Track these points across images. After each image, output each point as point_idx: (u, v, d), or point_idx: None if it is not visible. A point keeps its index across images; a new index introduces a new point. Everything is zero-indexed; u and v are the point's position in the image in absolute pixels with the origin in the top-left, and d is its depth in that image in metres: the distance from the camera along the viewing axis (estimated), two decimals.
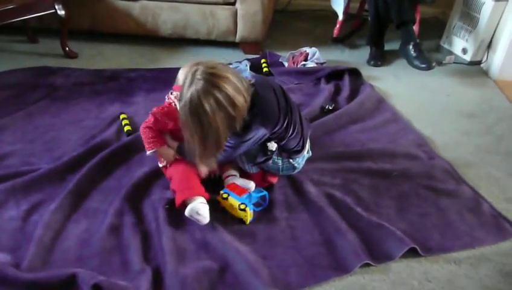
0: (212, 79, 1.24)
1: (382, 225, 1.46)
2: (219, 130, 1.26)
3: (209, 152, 1.32)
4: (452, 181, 1.72)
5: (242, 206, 1.45)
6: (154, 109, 1.58)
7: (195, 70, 1.26)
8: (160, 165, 1.62)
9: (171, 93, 1.61)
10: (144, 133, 1.57)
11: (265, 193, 1.55)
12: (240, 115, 1.28)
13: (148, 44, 2.78)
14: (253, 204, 1.51)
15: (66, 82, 2.32)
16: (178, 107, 1.34)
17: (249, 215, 1.46)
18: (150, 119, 1.56)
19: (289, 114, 1.44)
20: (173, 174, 1.55)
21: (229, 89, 1.24)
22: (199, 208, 1.42)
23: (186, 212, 1.42)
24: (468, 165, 1.83)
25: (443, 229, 1.49)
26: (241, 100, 1.27)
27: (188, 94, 1.24)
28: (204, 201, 1.47)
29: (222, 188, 1.56)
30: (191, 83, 1.25)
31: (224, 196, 1.51)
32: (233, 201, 1.48)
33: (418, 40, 2.66)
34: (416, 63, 2.63)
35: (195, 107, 1.24)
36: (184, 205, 1.45)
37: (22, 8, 2.30)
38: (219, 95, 1.23)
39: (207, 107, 1.23)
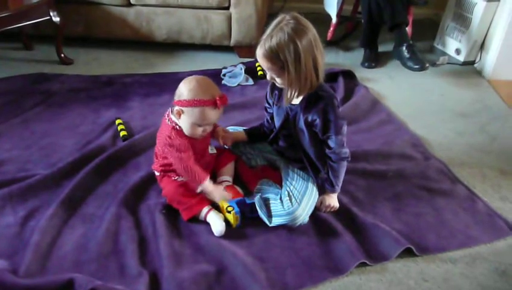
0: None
1: (378, 225, 1.46)
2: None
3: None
4: (447, 181, 1.73)
5: (229, 209, 1.46)
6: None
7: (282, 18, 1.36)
8: (157, 174, 1.62)
9: (171, 112, 1.53)
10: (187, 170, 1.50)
11: None
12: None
13: (143, 49, 2.78)
14: (248, 210, 1.50)
15: (62, 88, 2.32)
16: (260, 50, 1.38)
17: (233, 219, 1.46)
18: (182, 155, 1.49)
19: None
20: (171, 193, 1.52)
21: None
22: (221, 225, 1.44)
23: (217, 232, 1.43)
24: (463, 164, 1.84)
25: (439, 229, 1.50)
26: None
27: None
28: (213, 212, 1.48)
29: None
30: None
31: None
32: (224, 202, 1.49)
33: (411, 42, 2.68)
34: (410, 64, 2.65)
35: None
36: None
37: (17, 15, 2.30)
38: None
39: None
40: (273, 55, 1.35)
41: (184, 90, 1.45)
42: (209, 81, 1.50)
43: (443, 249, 1.43)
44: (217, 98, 1.44)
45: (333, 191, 1.53)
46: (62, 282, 1.22)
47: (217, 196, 1.51)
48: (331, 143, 1.46)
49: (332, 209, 1.54)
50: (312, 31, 1.36)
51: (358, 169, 1.75)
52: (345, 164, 1.50)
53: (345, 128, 1.46)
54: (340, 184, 1.53)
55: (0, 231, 1.44)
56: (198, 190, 1.50)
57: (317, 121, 1.44)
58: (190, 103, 1.43)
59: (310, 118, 1.46)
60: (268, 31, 1.36)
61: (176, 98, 1.47)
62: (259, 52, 1.38)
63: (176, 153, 1.48)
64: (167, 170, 1.57)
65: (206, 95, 1.44)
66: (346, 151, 1.48)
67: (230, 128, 1.78)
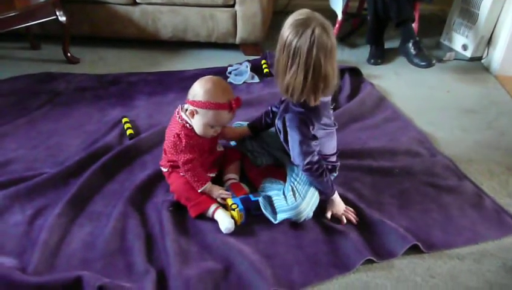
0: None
1: (384, 222, 1.46)
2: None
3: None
4: (454, 177, 1.72)
5: (233, 206, 1.46)
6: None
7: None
8: (165, 170, 1.62)
9: (182, 109, 1.53)
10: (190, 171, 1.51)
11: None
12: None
13: (148, 48, 2.79)
14: (253, 207, 1.50)
15: (68, 87, 2.33)
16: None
17: (237, 216, 1.45)
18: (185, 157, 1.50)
19: None
20: (180, 189, 1.53)
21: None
22: (229, 222, 1.44)
23: (225, 229, 1.43)
24: (470, 161, 1.83)
25: (445, 225, 1.50)
26: None
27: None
28: (221, 209, 1.48)
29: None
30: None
31: None
32: (229, 199, 1.49)
33: (417, 38, 2.66)
34: (416, 61, 2.63)
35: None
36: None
37: (24, 15, 2.32)
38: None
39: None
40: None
41: (199, 90, 1.45)
42: (225, 83, 1.51)
43: (450, 245, 1.43)
44: (232, 102, 1.45)
45: (326, 197, 1.50)
46: (70, 280, 1.23)
47: (216, 194, 1.51)
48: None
49: (344, 214, 1.50)
50: None
51: (364, 166, 1.74)
52: (317, 174, 1.45)
53: (309, 149, 1.42)
54: (328, 190, 1.48)
55: (8, 229, 1.45)
56: (199, 190, 1.51)
57: (281, 134, 1.47)
58: (206, 105, 1.43)
59: (277, 126, 1.49)
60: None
61: (190, 97, 1.47)
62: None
63: (180, 154, 1.49)
64: (175, 165, 1.57)
65: (222, 98, 1.44)
66: (314, 168, 1.43)
67: (236, 124, 1.78)
